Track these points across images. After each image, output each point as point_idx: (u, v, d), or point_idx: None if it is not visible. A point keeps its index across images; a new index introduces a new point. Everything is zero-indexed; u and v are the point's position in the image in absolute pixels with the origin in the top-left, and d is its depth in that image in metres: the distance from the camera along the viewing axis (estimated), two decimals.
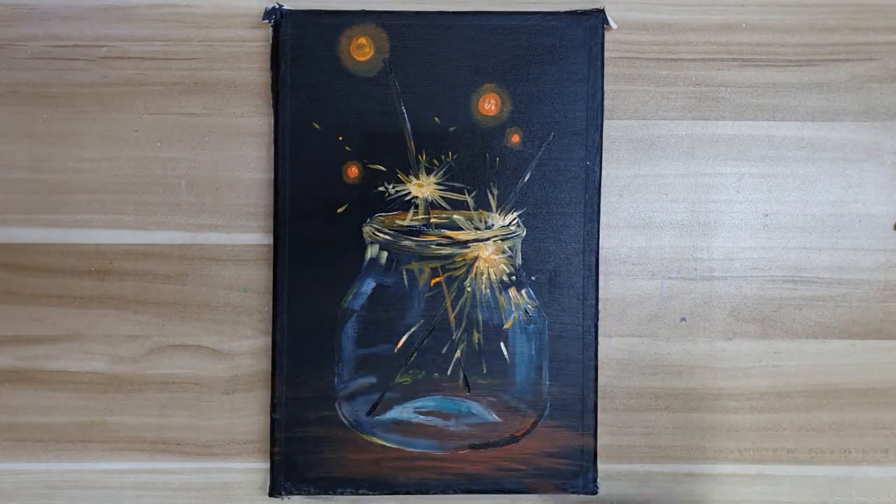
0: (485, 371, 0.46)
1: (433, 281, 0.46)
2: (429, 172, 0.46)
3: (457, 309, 0.46)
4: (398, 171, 0.46)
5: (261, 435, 0.47)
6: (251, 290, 0.47)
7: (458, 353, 0.46)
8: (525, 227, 0.46)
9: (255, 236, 0.47)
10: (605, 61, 0.46)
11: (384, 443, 0.46)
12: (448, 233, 0.46)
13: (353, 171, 0.46)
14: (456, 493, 0.46)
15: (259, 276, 0.47)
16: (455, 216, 0.46)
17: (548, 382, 0.46)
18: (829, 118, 0.47)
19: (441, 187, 0.46)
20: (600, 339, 0.46)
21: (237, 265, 0.47)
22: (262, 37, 0.47)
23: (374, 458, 0.46)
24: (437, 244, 0.46)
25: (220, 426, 0.47)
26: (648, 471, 0.48)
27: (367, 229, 0.46)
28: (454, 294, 0.46)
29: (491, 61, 0.46)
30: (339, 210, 0.46)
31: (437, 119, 0.46)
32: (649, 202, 0.47)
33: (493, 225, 0.46)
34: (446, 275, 0.46)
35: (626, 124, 0.47)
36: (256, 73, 0.47)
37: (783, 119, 0.47)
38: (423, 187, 0.46)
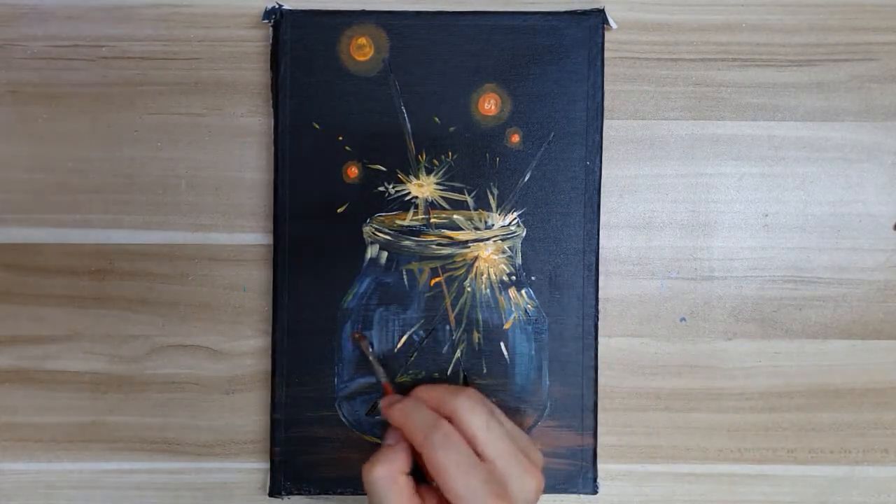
0: (485, 371, 0.46)
1: (433, 281, 0.46)
2: (429, 172, 0.46)
3: (457, 309, 0.46)
4: (398, 171, 0.46)
5: (261, 435, 0.47)
6: (251, 290, 0.47)
7: (458, 353, 0.46)
8: (525, 227, 0.46)
9: (255, 236, 0.47)
10: (605, 61, 0.46)
11: None
12: (448, 233, 0.46)
13: (353, 171, 0.46)
14: None
15: (259, 276, 0.47)
16: (455, 216, 0.46)
17: (548, 382, 0.46)
18: (829, 118, 0.47)
19: (441, 187, 0.46)
20: (600, 339, 0.46)
21: (237, 265, 0.47)
22: (262, 37, 0.47)
23: None
24: (437, 244, 0.46)
25: (220, 426, 0.47)
26: (648, 471, 0.48)
27: (367, 229, 0.46)
28: (454, 294, 0.46)
29: (491, 61, 0.46)
30: (339, 210, 0.46)
31: (437, 119, 0.46)
32: (649, 202, 0.47)
33: (493, 225, 0.46)
34: (446, 275, 0.46)
35: (626, 124, 0.47)
36: (256, 73, 0.47)
37: (783, 119, 0.47)
38: (423, 187, 0.46)
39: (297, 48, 0.45)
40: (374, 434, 0.46)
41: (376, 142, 0.46)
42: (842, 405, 0.48)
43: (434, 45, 0.45)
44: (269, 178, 0.47)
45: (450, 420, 0.39)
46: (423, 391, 0.42)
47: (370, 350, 0.45)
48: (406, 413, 0.40)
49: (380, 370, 0.45)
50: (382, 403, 0.43)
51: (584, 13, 0.46)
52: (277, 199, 0.46)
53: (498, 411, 0.42)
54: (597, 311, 0.46)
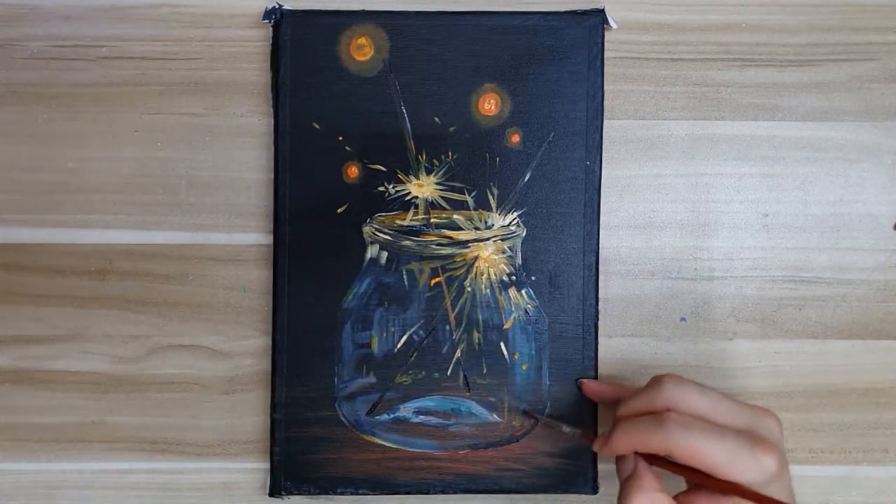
0: (485, 371, 0.46)
1: (433, 281, 0.46)
2: (429, 172, 0.46)
3: (457, 309, 0.46)
4: (398, 171, 0.46)
5: (261, 435, 0.47)
6: (251, 290, 0.47)
7: (458, 353, 0.46)
8: (525, 227, 0.46)
9: (255, 236, 0.47)
10: (605, 61, 0.46)
11: (384, 443, 0.46)
12: (448, 233, 0.46)
13: (353, 171, 0.46)
14: (456, 493, 0.46)
15: (259, 276, 0.47)
16: (455, 216, 0.46)
17: (548, 382, 0.46)
18: (829, 118, 0.47)
19: (441, 187, 0.46)
20: (600, 339, 0.46)
21: (237, 265, 0.47)
22: (262, 37, 0.47)
23: (374, 458, 0.46)
24: (437, 244, 0.46)
25: (220, 426, 0.47)
26: None
27: (367, 229, 0.46)
28: (454, 294, 0.46)
29: (491, 61, 0.46)
30: (339, 210, 0.46)
31: (437, 119, 0.46)
32: (649, 202, 0.47)
33: (493, 225, 0.46)
34: (446, 275, 0.46)
35: (626, 124, 0.47)
36: (256, 73, 0.47)
37: (783, 119, 0.47)
38: (423, 187, 0.46)
39: (297, 48, 0.45)
40: (373, 434, 0.46)
41: (376, 142, 0.46)
42: (842, 405, 0.48)
43: (434, 45, 0.45)
44: (269, 178, 0.47)
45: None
46: (624, 410, 0.40)
47: (547, 418, 0.45)
48: (628, 434, 0.39)
49: (568, 428, 0.44)
50: (597, 445, 0.41)
51: (584, 13, 0.46)
52: (277, 199, 0.46)
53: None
54: (597, 311, 0.46)
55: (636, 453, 0.39)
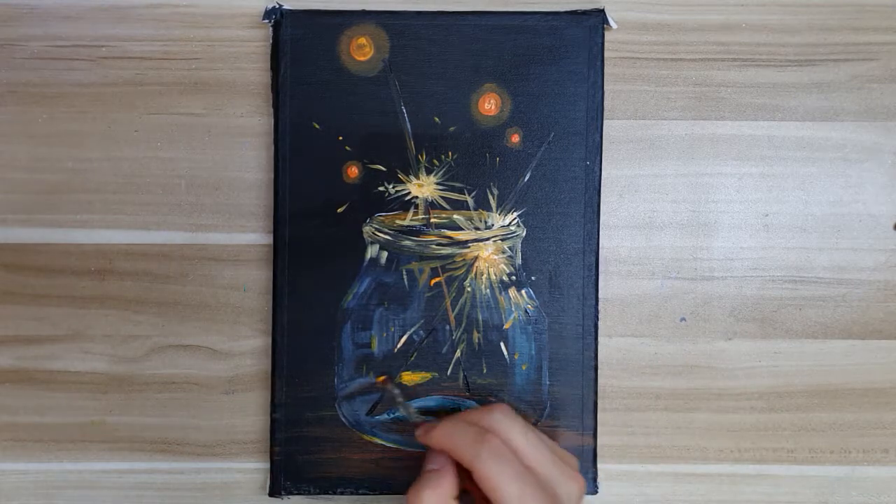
0: (485, 371, 0.46)
1: (433, 281, 0.46)
2: (429, 172, 0.46)
3: (457, 309, 0.46)
4: (398, 171, 0.46)
5: (261, 435, 0.47)
6: (251, 290, 0.47)
7: (458, 353, 0.46)
8: (525, 227, 0.46)
9: (255, 236, 0.47)
10: (605, 61, 0.46)
11: (384, 443, 0.46)
12: (448, 233, 0.46)
13: (353, 171, 0.46)
14: None
15: (259, 276, 0.47)
16: (455, 216, 0.46)
17: (548, 382, 0.46)
18: (829, 118, 0.47)
19: (441, 187, 0.46)
20: (600, 339, 0.46)
21: (237, 265, 0.47)
22: (262, 37, 0.47)
23: (374, 458, 0.46)
24: (437, 244, 0.46)
25: (220, 426, 0.48)
26: (648, 471, 0.48)
27: (367, 229, 0.46)
28: (454, 294, 0.46)
29: (491, 61, 0.46)
30: (339, 210, 0.46)
31: (437, 119, 0.46)
32: (649, 202, 0.47)
33: (493, 225, 0.46)
34: (446, 275, 0.46)
35: (626, 124, 0.47)
36: (256, 73, 0.47)
37: (783, 119, 0.47)
38: (423, 187, 0.46)
39: (297, 48, 0.45)
40: (373, 434, 0.46)
41: (376, 142, 0.46)
42: (842, 405, 0.48)
43: (434, 45, 0.45)
44: (269, 178, 0.47)
45: None
46: (454, 417, 0.41)
47: (397, 393, 0.45)
48: (449, 434, 0.40)
49: (413, 413, 0.45)
50: (419, 431, 0.42)
51: (584, 13, 0.46)
52: (277, 199, 0.46)
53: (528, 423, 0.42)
54: (597, 311, 0.46)
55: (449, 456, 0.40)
